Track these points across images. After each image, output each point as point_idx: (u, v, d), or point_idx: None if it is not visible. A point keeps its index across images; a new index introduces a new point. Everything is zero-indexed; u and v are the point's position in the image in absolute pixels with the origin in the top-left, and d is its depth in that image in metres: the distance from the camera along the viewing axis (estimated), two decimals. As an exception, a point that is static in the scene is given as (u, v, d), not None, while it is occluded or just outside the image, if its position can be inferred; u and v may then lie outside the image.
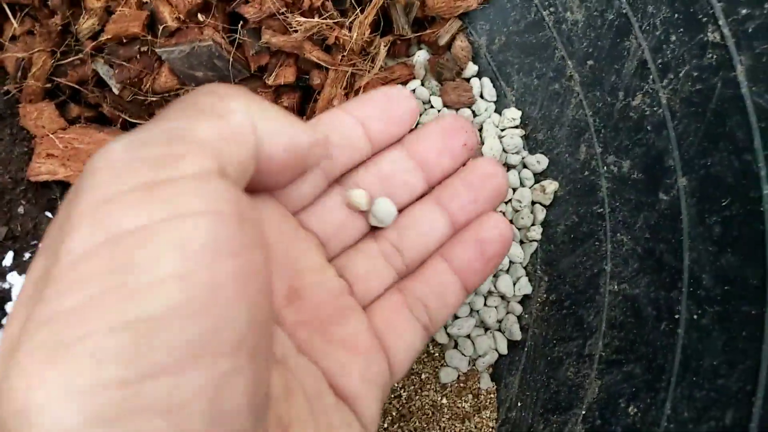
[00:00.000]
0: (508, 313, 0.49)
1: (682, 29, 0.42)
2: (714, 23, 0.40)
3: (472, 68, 0.52)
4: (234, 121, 0.19)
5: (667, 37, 0.43)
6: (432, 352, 0.49)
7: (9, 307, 0.44)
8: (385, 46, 0.49)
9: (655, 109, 0.43)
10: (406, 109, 0.27)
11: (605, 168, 0.46)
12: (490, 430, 0.47)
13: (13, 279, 0.45)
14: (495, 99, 0.51)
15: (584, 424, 0.43)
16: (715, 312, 0.39)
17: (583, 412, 0.43)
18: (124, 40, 0.43)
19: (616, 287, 0.45)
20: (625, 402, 0.41)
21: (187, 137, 0.18)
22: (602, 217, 0.46)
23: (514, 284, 0.49)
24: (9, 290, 0.45)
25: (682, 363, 0.40)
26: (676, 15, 0.42)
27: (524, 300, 0.50)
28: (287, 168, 0.22)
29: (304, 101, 0.49)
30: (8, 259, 0.45)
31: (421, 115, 0.51)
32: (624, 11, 0.44)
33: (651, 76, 0.44)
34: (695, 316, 0.40)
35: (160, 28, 0.42)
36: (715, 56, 0.41)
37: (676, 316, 0.41)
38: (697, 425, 0.37)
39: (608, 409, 0.42)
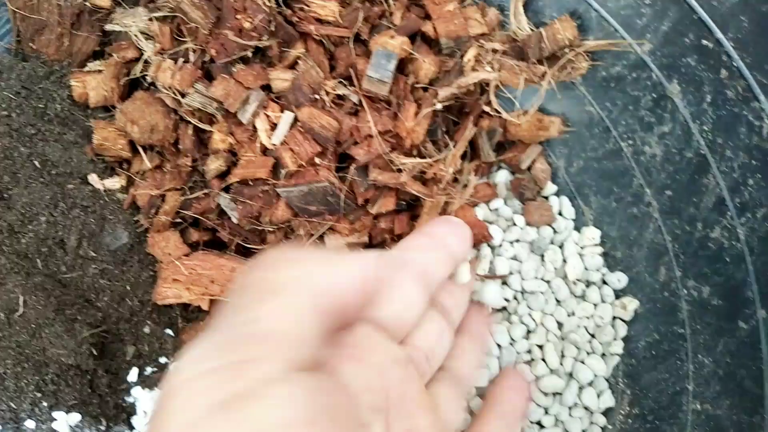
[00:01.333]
0: (592, 423, 0.52)
1: (759, 174, 0.45)
2: (792, 174, 0.44)
3: (551, 188, 0.56)
4: (291, 299, 0.21)
5: (744, 180, 0.46)
6: (519, 459, 0.52)
7: (134, 420, 0.48)
8: (474, 174, 0.53)
9: (733, 243, 0.47)
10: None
11: (685, 291, 0.50)
12: None
13: (137, 393, 0.49)
14: (574, 217, 0.55)
15: None
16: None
17: None
18: (249, 182, 0.47)
19: (699, 406, 0.48)
20: None
21: (254, 334, 0.20)
22: (683, 337, 0.50)
23: (598, 397, 0.52)
24: (133, 404, 0.48)
25: (769, 491, 0.43)
26: (754, 162, 0.46)
27: (608, 412, 0.53)
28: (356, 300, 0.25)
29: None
30: (133, 375, 0.49)
31: (504, 231, 0.55)
32: (702, 152, 0.48)
33: (729, 213, 0.47)
34: (782, 448, 0.43)
35: (282, 171, 0.47)
36: (792, 201, 0.44)
37: (761, 443, 0.44)
38: None
39: None
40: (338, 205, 0.48)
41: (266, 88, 0.48)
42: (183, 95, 0.46)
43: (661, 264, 0.51)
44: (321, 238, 0.51)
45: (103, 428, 0.45)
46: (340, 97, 0.48)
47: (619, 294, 0.54)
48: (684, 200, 0.50)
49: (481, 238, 0.54)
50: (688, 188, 0.49)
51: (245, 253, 0.51)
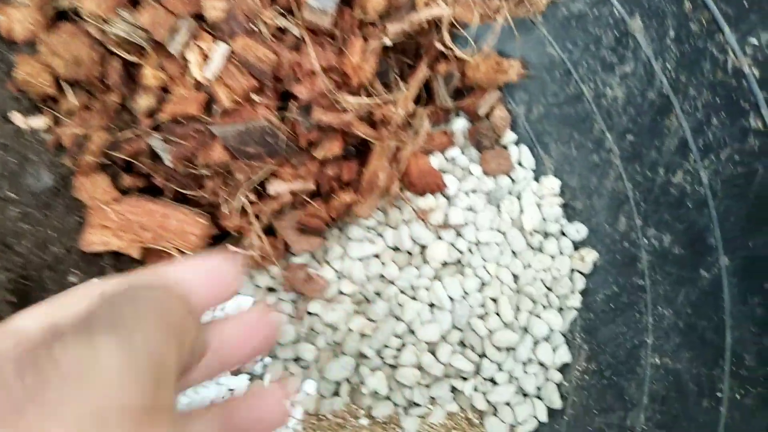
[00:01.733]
0: (547, 380, 0.50)
1: (724, 113, 0.43)
2: (756, 111, 0.41)
3: (510, 136, 0.53)
4: None
5: (708, 119, 0.44)
6: (471, 418, 0.50)
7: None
8: (430, 122, 0.50)
9: (696, 187, 0.45)
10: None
11: (645, 241, 0.47)
12: (532, 499, 0.47)
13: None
14: (533, 167, 0.53)
15: (628, 499, 0.44)
16: (759, 393, 0.40)
17: (627, 486, 0.44)
18: (181, 120, 0.44)
19: (658, 360, 0.45)
20: (669, 478, 0.42)
21: None
22: (642, 289, 0.47)
23: (554, 352, 0.50)
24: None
25: (727, 443, 0.40)
26: (718, 100, 0.43)
27: (564, 368, 0.50)
28: None
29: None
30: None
31: (460, 181, 0.52)
32: (665, 92, 0.45)
33: (692, 155, 0.45)
34: (738, 396, 0.41)
35: (217, 108, 0.44)
36: (757, 143, 0.42)
37: (719, 394, 0.41)
38: None
39: (653, 485, 0.43)
40: (279, 146, 0.45)
41: (199, 18, 0.44)
42: (107, 23, 0.43)
43: (621, 213, 0.49)
44: (263, 184, 0.48)
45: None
46: (281, 30, 0.45)
47: (577, 246, 0.51)
48: (645, 144, 0.47)
49: (435, 188, 0.51)
50: (650, 131, 0.47)
51: (182, 200, 0.48)
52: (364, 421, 0.49)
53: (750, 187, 0.42)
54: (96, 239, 0.45)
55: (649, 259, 0.47)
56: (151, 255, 0.48)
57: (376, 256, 0.51)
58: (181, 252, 0.46)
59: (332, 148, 0.47)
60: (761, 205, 0.41)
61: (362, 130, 0.47)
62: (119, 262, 0.48)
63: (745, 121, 0.42)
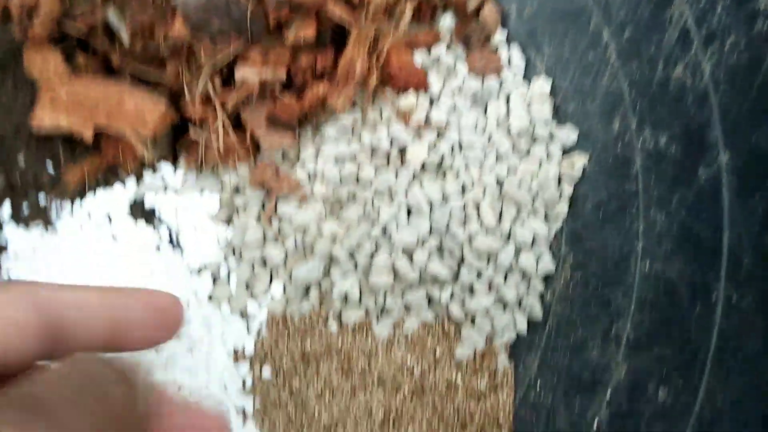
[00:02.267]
0: (529, 291, 0.47)
1: (730, -5, 0.39)
2: (768, -12, 0.37)
3: (500, 35, 0.49)
4: None
5: (713, 5, 0.40)
6: (447, 329, 0.47)
7: (3, 260, 0.42)
8: (410, 8, 0.46)
9: (697, 80, 0.41)
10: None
11: (640, 142, 0.44)
12: (507, 412, 0.45)
13: (10, 232, 0.42)
14: (524, 67, 0.49)
15: (609, 408, 0.41)
16: (756, 295, 0.37)
17: (608, 396, 0.41)
18: (138, -15, 0.40)
19: (648, 267, 0.42)
20: (654, 385, 0.39)
21: None
22: (635, 194, 0.44)
23: (537, 261, 0.46)
24: (5, 244, 0.42)
25: (718, 347, 0.37)
26: (726, -20, 0.39)
27: (547, 279, 0.47)
28: None
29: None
30: (5, 209, 0.42)
31: (445, 82, 0.48)
32: (668, -24, 0.41)
33: (694, 46, 0.41)
34: (734, 299, 0.38)
35: (177, -28, 0.40)
36: (765, 27, 0.38)
37: (713, 299, 0.39)
38: (735, 413, 0.35)
39: (636, 392, 0.40)
40: (244, 22, 0.41)
41: None
42: None
43: (615, 115, 0.45)
44: (231, 72, 0.45)
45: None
46: None
47: (567, 151, 0.48)
48: (645, 38, 0.43)
49: (416, 85, 0.47)
50: (649, 23, 0.43)
51: (139, 82, 0.44)
52: (334, 327, 0.46)
53: (755, 76, 0.39)
54: (46, 117, 0.42)
55: (642, 162, 0.44)
56: (107, 141, 0.45)
57: (352, 158, 0.48)
58: (138, 135, 0.43)
59: (305, 29, 0.43)
60: (766, 95, 0.38)
61: (338, 12, 0.43)
62: (72, 148, 0.45)
63: (753, 3, 0.39)
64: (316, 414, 0.43)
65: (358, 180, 0.48)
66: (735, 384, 0.36)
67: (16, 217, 0.42)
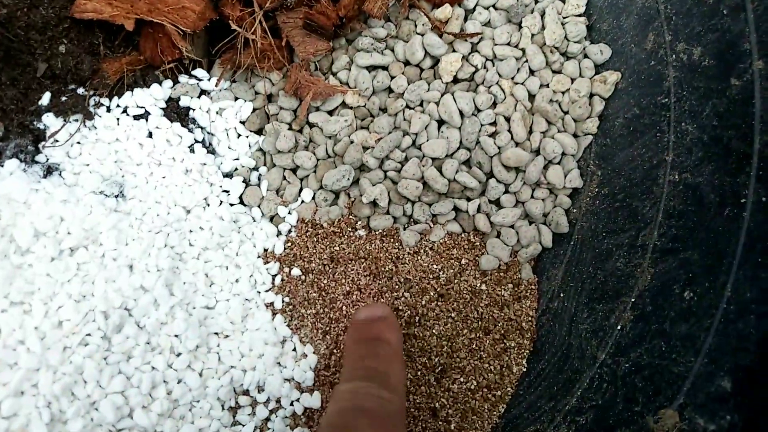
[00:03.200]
0: (555, 206, 0.48)
1: None
2: None
3: (536, -46, 0.49)
4: None
5: None
6: (473, 240, 0.47)
7: (42, 147, 0.43)
8: None
9: (734, -9, 0.41)
10: None
11: (674, 56, 0.44)
12: (530, 318, 0.45)
13: (49, 120, 0.43)
14: (559, -14, 0.49)
15: (633, 311, 0.41)
16: (786, 195, 0.38)
17: (633, 300, 0.42)
18: None
19: (676, 177, 0.43)
20: (680, 288, 0.40)
21: None
22: (666, 107, 0.44)
23: (565, 176, 0.47)
24: (44, 130, 0.43)
25: (746, 246, 0.38)
26: None
27: (573, 194, 0.48)
28: None
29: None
30: (45, 98, 0.43)
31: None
32: None
33: (733, -44, 0.41)
34: (764, 198, 0.38)
35: None
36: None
37: (742, 200, 0.39)
38: (761, 304, 0.36)
39: (661, 296, 0.41)
40: None
41: None
42: None
43: (650, 31, 0.46)
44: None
45: (0, 133, 0.40)
46: None
47: (599, 68, 0.48)
48: (683, -48, 0.44)
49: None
50: (689, -64, 0.43)
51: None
52: (362, 233, 0.47)
53: (795, -17, 0.39)
54: (89, 6, 0.43)
55: (676, 75, 0.44)
56: (146, 37, 0.45)
57: (385, 68, 0.48)
58: (177, 28, 0.43)
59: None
60: (806, 1, 0.38)
61: None
62: (112, 40, 0.45)
63: None
64: (345, 311, 0.44)
65: (390, 91, 0.49)
66: (763, 278, 0.36)
67: (56, 106, 0.43)
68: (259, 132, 0.49)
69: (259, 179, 0.48)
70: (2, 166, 0.40)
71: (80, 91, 0.44)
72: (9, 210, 0.38)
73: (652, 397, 0.37)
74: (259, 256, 0.46)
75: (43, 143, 0.43)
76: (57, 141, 0.43)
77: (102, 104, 0.45)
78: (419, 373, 0.43)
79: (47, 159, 0.43)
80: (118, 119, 0.45)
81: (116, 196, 0.43)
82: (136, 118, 0.46)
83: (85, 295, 0.38)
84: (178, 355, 0.40)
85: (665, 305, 0.40)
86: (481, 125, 0.47)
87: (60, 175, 0.42)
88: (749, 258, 0.37)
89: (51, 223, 0.39)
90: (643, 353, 0.39)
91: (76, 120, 0.44)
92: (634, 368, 0.39)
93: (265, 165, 0.49)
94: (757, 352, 0.35)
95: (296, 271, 0.45)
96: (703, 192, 0.41)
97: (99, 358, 0.38)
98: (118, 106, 0.46)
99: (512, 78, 0.47)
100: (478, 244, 0.47)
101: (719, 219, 0.40)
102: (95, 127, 0.45)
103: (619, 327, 0.42)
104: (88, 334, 0.37)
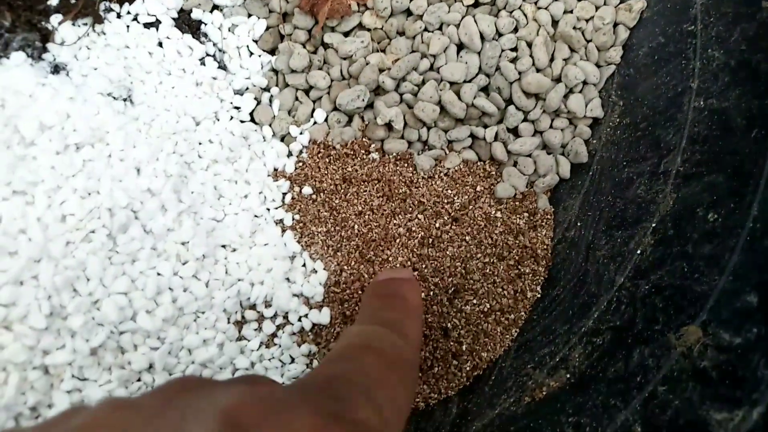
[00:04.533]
0: (575, 136, 0.46)
1: None
2: None
3: None
4: None
5: None
6: (488, 169, 0.46)
7: (49, 46, 0.41)
8: None
9: None
10: None
11: (702, -18, 0.43)
12: (545, 246, 0.44)
13: (57, 21, 0.41)
14: None
15: (654, 236, 0.40)
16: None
17: (654, 225, 0.41)
18: None
19: (702, 103, 0.42)
20: (703, 211, 0.39)
21: None
22: (693, 34, 0.43)
23: (586, 105, 0.46)
24: (52, 31, 0.41)
25: (774, 165, 0.37)
26: None
27: (594, 125, 0.47)
28: None
29: None
30: None
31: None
32: None
33: None
34: (795, 118, 0.37)
35: None
36: None
37: (772, 122, 0.38)
38: (790, 221, 0.35)
39: (684, 219, 0.39)
40: None
41: None
42: None
43: (678, -43, 0.45)
44: None
45: (7, 24, 0.39)
46: None
47: (625, -3, 0.47)
48: None
49: None
50: None
51: None
52: (375, 155, 0.45)
53: None
54: None
55: (703, 2, 0.43)
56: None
57: (404, -11, 0.47)
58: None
59: None
60: None
61: None
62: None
63: None
64: (356, 230, 0.43)
65: (409, 13, 0.47)
66: (792, 195, 0.35)
67: (66, 7, 0.41)
68: (272, 52, 0.48)
69: (270, 100, 0.47)
70: (8, 57, 0.39)
71: (90, -8, 0.43)
72: (14, 101, 0.37)
73: (673, 315, 0.36)
74: (269, 174, 0.45)
75: (50, 42, 0.41)
76: (64, 41, 0.41)
77: (112, 9, 0.44)
78: (432, 292, 0.42)
79: (54, 58, 0.41)
80: (128, 26, 0.44)
81: (124, 100, 0.42)
82: (147, 26, 0.45)
83: (90, 192, 0.37)
84: (185, 263, 0.39)
85: (688, 228, 0.39)
86: (502, 50, 0.46)
87: (67, 74, 0.41)
88: (778, 176, 0.36)
89: (57, 118, 0.37)
90: (664, 275, 0.38)
91: (85, 23, 0.43)
92: (654, 290, 0.38)
93: (277, 85, 0.48)
94: (785, 263, 0.34)
95: (307, 190, 0.44)
96: (730, 116, 0.40)
97: (103, 256, 0.36)
98: (128, 12, 0.44)
99: (535, 2, 0.46)
100: (493, 173, 0.46)
101: (745, 141, 0.39)
102: (104, 33, 0.43)
103: (639, 251, 0.41)
104: (93, 231, 0.36)
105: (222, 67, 0.46)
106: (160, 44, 0.44)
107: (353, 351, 0.29)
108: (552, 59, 0.46)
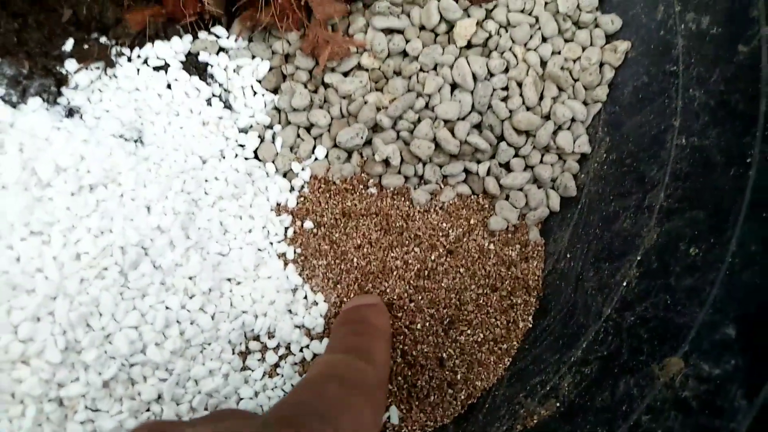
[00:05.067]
0: (564, 171, 0.49)
1: None
2: None
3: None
4: None
5: None
6: (482, 202, 0.48)
7: (64, 90, 0.44)
8: None
9: (744, -39, 0.43)
10: None
11: (683, 26, 0.45)
12: (536, 277, 0.46)
13: (71, 66, 0.44)
14: (572, -41, 0.51)
15: (639, 268, 0.42)
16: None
17: (639, 258, 0.43)
18: None
19: (684, 141, 0.44)
20: (685, 245, 0.41)
21: None
22: (675, 74, 0.45)
23: (574, 141, 0.48)
24: (66, 75, 0.44)
25: (751, 202, 0.39)
26: None
27: (582, 160, 0.49)
28: None
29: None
30: (69, 44, 0.44)
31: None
32: None
33: (742, -72, 0.43)
34: (770, 157, 0.39)
35: None
36: None
37: (748, 160, 0.40)
38: (766, 256, 0.37)
39: (667, 253, 0.41)
40: None
41: None
42: None
43: (660, 2, 0.47)
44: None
45: (25, 71, 0.41)
46: None
47: (610, 38, 0.49)
48: (695, -75, 0.45)
49: (468, -34, 0.49)
50: None
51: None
52: (373, 190, 0.47)
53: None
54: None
55: (684, 44, 0.45)
56: (169, -9, 0.46)
57: (400, 32, 0.49)
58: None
59: None
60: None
61: None
62: (136, -7, 0.46)
63: None
64: (355, 263, 0.45)
65: (405, 54, 0.50)
66: (768, 231, 0.37)
67: (79, 53, 0.44)
68: (275, 91, 0.50)
69: (273, 137, 0.49)
70: (26, 103, 0.41)
71: (102, 39, 0.45)
72: (32, 144, 0.39)
73: (657, 346, 0.38)
74: (272, 209, 0.47)
75: (64, 86, 0.43)
76: (78, 85, 0.43)
77: (123, 54, 0.46)
78: (428, 323, 0.43)
79: (69, 102, 0.43)
80: (138, 69, 0.46)
81: (135, 141, 0.44)
82: (156, 69, 0.47)
83: (103, 231, 0.39)
84: (192, 296, 0.41)
85: (671, 261, 0.41)
86: (494, 89, 0.48)
87: (81, 117, 0.43)
88: (755, 213, 0.38)
89: (72, 160, 0.39)
90: (648, 307, 0.40)
91: (98, 68, 0.45)
92: (639, 321, 0.40)
93: (279, 123, 0.50)
94: (762, 300, 0.36)
95: (308, 224, 0.46)
96: (710, 153, 0.42)
97: (115, 292, 0.38)
98: (138, 56, 0.46)
99: (525, 44, 0.49)
100: (486, 206, 0.48)
101: (725, 178, 0.41)
102: (116, 76, 0.46)
103: (624, 283, 0.42)
104: (105, 268, 0.38)
105: (227, 106, 0.49)
106: (169, 86, 0.47)
107: (317, 379, 0.32)
108: (541, 98, 0.48)
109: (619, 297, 0.42)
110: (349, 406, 0.29)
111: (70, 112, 0.43)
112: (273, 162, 0.48)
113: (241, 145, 0.48)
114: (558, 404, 0.40)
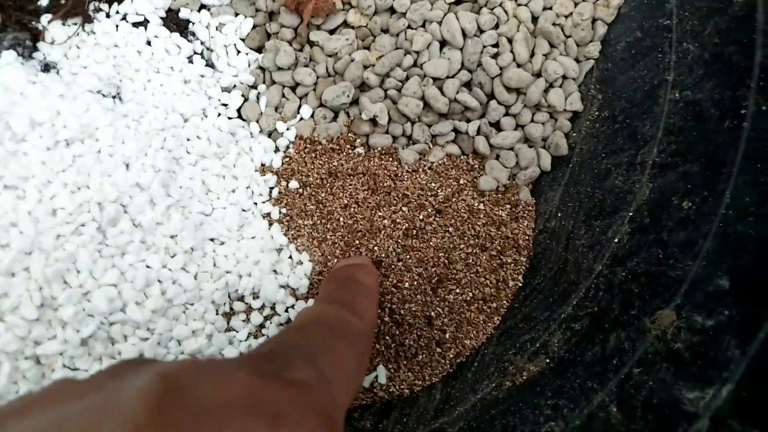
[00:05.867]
0: (555, 129, 0.48)
1: None
2: None
3: None
4: None
5: None
6: (471, 162, 0.47)
7: (40, 45, 0.42)
8: None
9: None
10: None
11: (677, -22, 0.44)
12: (527, 237, 0.45)
13: (47, 21, 0.42)
14: None
15: (631, 224, 0.41)
16: (786, 104, 0.38)
17: (631, 214, 0.42)
18: None
19: (677, 95, 0.43)
20: (678, 199, 0.40)
21: None
22: (668, 28, 0.44)
23: (566, 99, 0.47)
24: (42, 30, 0.42)
25: (745, 154, 0.38)
26: None
27: (573, 118, 0.48)
28: None
29: None
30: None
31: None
32: None
33: None
34: (764, 107, 0.38)
35: None
36: None
37: (743, 111, 0.39)
38: (761, 206, 0.36)
39: (659, 208, 0.41)
40: None
41: None
42: None
43: (654, -46, 0.46)
44: None
45: (-4, 24, 0.40)
46: None
47: (603, -8, 0.48)
48: None
49: None
50: None
51: None
52: (360, 150, 0.46)
53: None
54: None
55: (678, -3, 0.44)
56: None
57: (388, -12, 0.48)
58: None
59: None
60: None
61: None
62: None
63: None
64: (342, 222, 0.44)
65: (392, 11, 0.48)
66: (762, 182, 0.36)
67: (55, 7, 0.42)
68: (259, 50, 0.49)
69: (257, 97, 0.48)
70: (-1, 56, 0.40)
71: (79, -7, 0.44)
72: (5, 98, 0.38)
73: (648, 300, 0.37)
74: (256, 170, 0.46)
75: (41, 41, 0.42)
76: (54, 41, 0.42)
77: (101, 9, 0.45)
78: (416, 282, 0.42)
79: (45, 57, 0.42)
80: (117, 25, 0.45)
81: (113, 97, 0.43)
82: (135, 25, 0.45)
83: (80, 186, 0.38)
84: (173, 255, 0.40)
85: (663, 216, 0.40)
86: (484, 46, 0.47)
87: (57, 73, 0.42)
88: (749, 165, 0.38)
89: (47, 115, 0.38)
90: (640, 261, 0.39)
91: (75, 23, 0.44)
92: (631, 276, 0.39)
93: (264, 83, 0.48)
94: (755, 251, 0.35)
95: (294, 184, 0.45)
96: (704, 107, 0.41)
97: (93, 249, 0.37)
98: (117, 12, 0.45)
99: (515, -1, 0.47)
100: (476, 166, 0.47)
101: (719, 131, 0.40)
102: (94, 32, 0.44)
103: (616, 240, 0.42)
104: (83, 225, 0.37)
105: (210, 65, 0.47)
106: (149, 43, 0.45)
107: (305, 323, 0.31)
108: (532, 55, 0.47)
109: (611, 253, 0.41)
110: (333, 350, 0.28)
111: (46, 67, 0.42)
112: (257, 122, 0.47)
113: (224, 104, 0.46)
114: (548, 360, 0.39)
